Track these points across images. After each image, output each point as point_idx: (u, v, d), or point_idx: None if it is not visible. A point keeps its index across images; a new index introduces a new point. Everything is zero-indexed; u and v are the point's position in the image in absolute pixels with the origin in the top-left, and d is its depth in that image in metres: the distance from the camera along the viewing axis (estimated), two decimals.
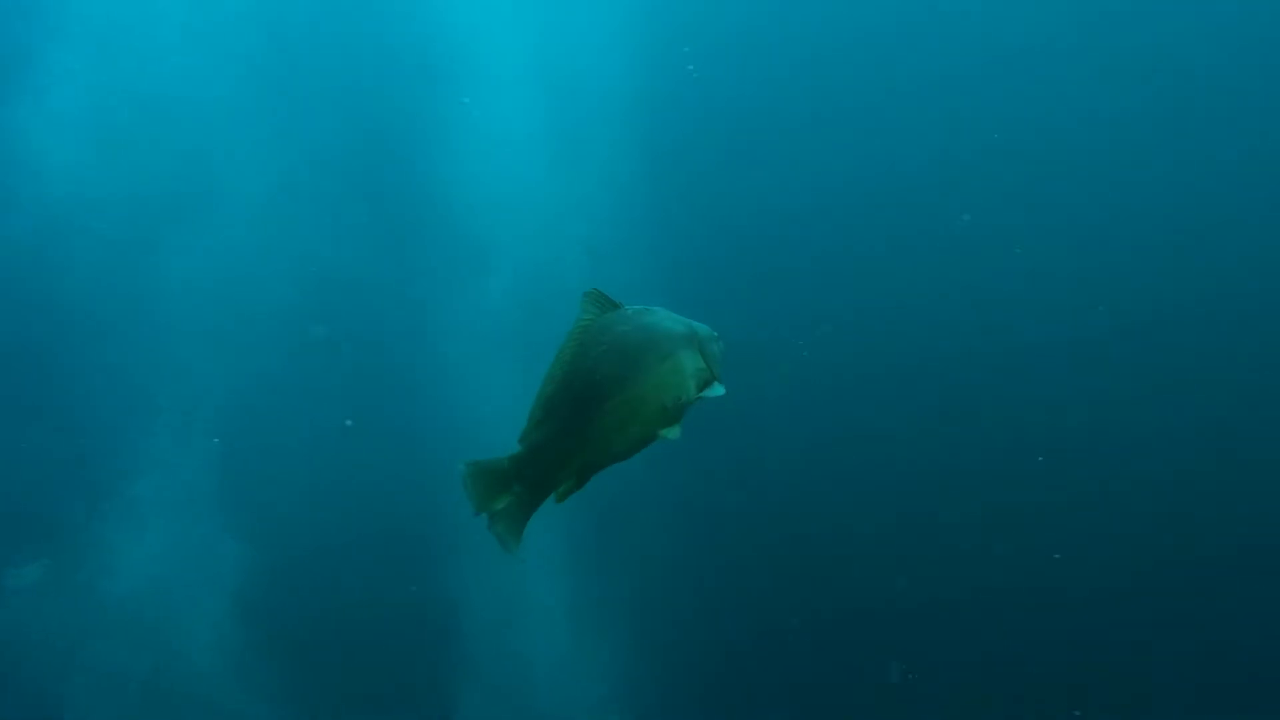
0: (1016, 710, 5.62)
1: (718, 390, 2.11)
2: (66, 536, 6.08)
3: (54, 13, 6.63)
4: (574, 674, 5.99)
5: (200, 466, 6.36)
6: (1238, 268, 5.94)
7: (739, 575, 6.03)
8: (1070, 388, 6.05)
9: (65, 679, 5.82)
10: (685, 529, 5.99)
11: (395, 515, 6.48)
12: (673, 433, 2.03)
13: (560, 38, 6.85)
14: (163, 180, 6.58)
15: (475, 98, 6.69)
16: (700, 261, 6.34)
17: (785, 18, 6.82)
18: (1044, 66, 6.43)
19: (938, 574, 5.91)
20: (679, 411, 2.05)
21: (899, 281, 6.42)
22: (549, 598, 6.06)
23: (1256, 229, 5.94)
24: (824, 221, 6.61)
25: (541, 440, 1.96)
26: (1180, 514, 5.72)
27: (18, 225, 6.45)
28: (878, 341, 6.30)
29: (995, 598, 5.82)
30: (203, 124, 6.71)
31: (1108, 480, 5.86)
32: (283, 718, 5.92)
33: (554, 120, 6.69)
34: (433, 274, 6.54)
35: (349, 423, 6.63)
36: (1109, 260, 6.13)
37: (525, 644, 6.04)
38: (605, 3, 6.78)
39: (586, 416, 1.95)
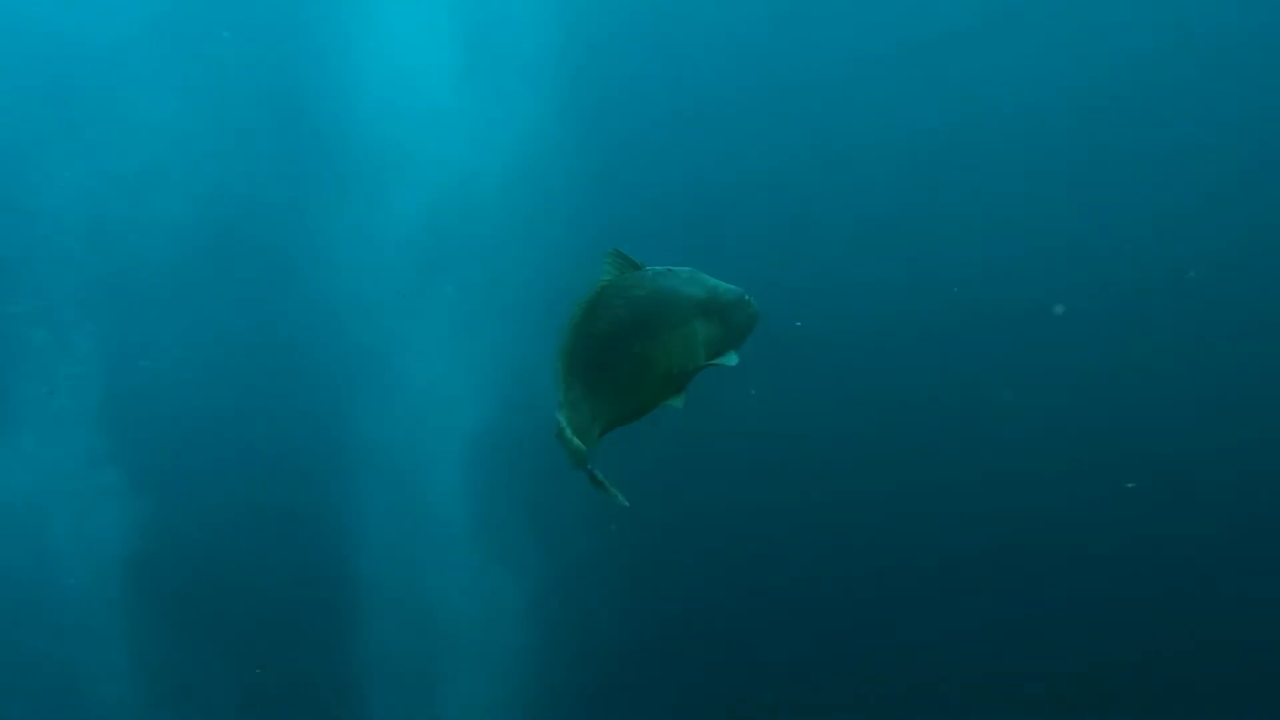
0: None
1: (730, 360, 2.13)
2: None
3: None
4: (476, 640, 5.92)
5: (82, 391, 6.06)
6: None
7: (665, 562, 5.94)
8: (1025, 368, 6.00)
9: None
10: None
11: (295, 450, 6.23)
12: (677, 401, 2.09)
13: None
14: (49, 92, 6.05)
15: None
16: (629, 186, 6.09)
17: None
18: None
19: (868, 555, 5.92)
20: (685, 379, 2.10)
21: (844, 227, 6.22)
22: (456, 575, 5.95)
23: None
24: (757, 146, 6.32)
25: (578, 399, 1.99)
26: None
27: None
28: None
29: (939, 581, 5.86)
30: (90, 33, 6.15)
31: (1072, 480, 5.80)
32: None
33: (469, 30, 6.26)
34: (340, 193, 6.13)
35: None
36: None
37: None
38: None
39: (600, 377, 2.00)
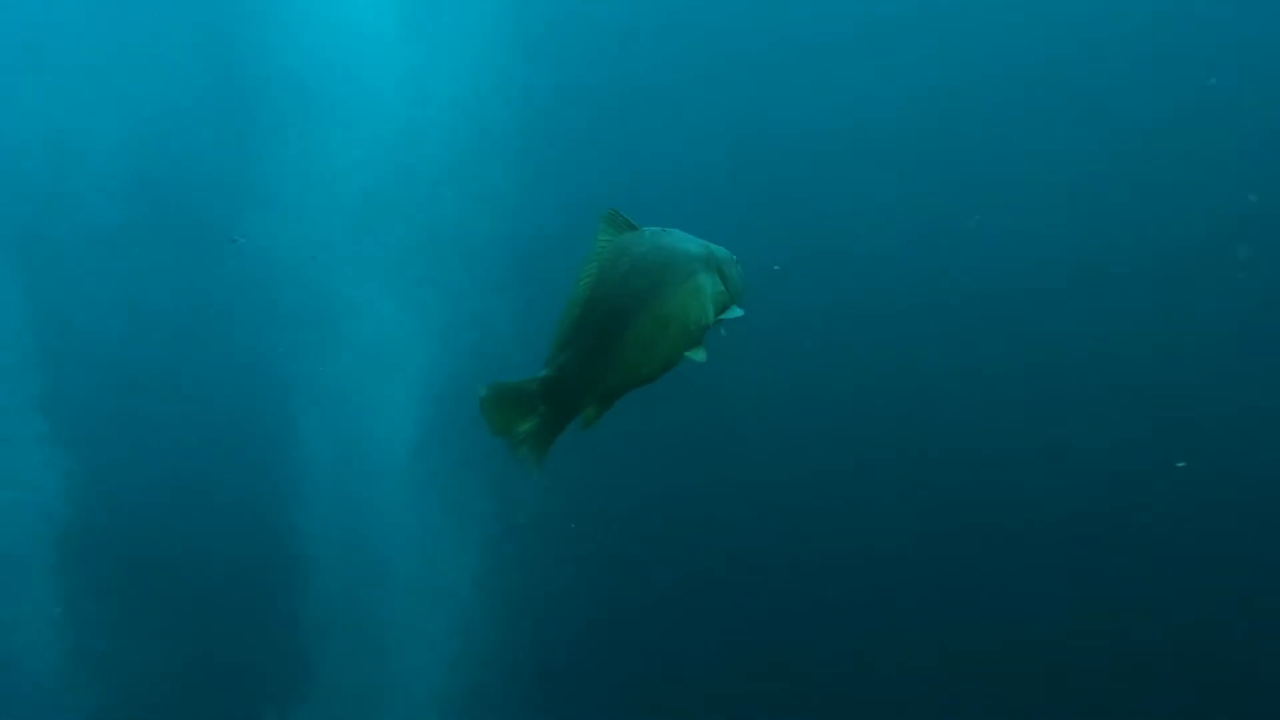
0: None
1: (736, 312, 2.13)
2: None
3: None
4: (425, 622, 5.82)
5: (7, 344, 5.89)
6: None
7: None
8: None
9: None
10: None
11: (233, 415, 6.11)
12: (698, 355, 2.05)
13: None
14: None
15: None
16: (580, 138, 5.91)
17: None
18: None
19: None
20: (700, 334, 2.07)
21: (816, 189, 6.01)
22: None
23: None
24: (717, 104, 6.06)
25: (569, 363, 1.95)
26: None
27: None
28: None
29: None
30: None
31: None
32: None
33: None
34: (277, 139, 5.90)
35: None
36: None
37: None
38: None
39: (613, 338, 1.96)
